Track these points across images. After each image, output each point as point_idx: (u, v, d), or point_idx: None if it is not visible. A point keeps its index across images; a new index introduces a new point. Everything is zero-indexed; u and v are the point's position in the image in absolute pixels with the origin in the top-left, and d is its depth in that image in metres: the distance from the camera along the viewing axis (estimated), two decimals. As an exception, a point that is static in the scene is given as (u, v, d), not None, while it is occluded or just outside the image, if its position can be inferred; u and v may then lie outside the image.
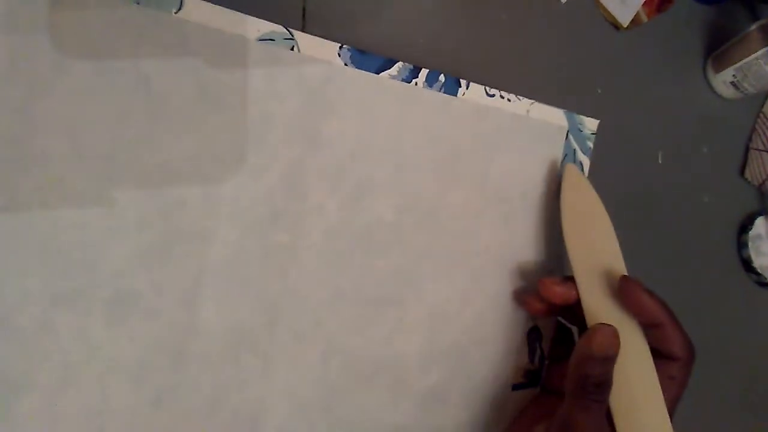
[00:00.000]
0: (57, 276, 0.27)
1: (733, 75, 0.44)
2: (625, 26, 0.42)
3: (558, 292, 0.31)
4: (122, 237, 0.28)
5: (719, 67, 0.45)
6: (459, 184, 0.34)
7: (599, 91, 0.42)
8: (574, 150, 0.37)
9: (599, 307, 0.30)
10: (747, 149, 0.47)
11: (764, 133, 0.47)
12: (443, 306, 0.34)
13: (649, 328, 0.30)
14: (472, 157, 0.34)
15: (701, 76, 0.46)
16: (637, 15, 0.41)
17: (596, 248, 0.32)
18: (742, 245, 0.46)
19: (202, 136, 0.29)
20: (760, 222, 0.46)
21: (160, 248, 0.28)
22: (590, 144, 0.37)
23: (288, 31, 0.30)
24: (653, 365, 0.29)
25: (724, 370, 0.46)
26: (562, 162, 0.36)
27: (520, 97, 0.35)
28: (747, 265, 0.46)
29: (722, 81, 0.45)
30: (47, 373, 0.27)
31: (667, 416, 0.28)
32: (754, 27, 0.43)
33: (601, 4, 0.42)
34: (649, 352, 0.29)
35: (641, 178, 0.44)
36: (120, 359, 0.28)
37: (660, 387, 0.28)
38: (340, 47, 0.31)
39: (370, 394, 0.33)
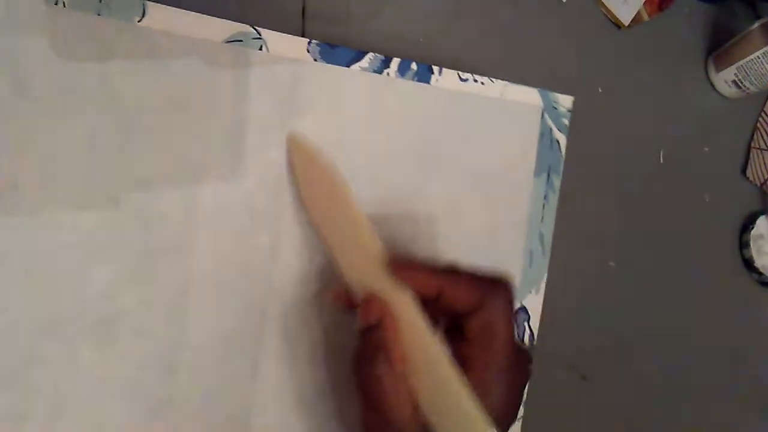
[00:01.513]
0: (42, 305, 0.26)
1: (735, 74, 0.44)
2: (627, 25, 0.42)
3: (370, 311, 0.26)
4: (105, 258, 0.27)
5: (721, 66, 0.45)
6: (438, 173, 0.34)
7: (600, 89, 0.42)
8: (550, 128, 0.36)
9: (363, 279, 0.27)
10: (749, 148, 0.47)
11: (766, 132, 0.47)
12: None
13: (434, 299, 0.26)
14: (449, 144, 0.34)
15: (703, 74, 0.46)
16: (638, 13, 0.41)
17: (346, 220, 0.28)
18: (743, 245, 0.46)
19: (176, 146, 0.28)
20: (761, 221, 0.46)
21: (144, 265, 0.28)
22: (566, 121, 0.36)
23: (255, 30, 0.29)
24: (433, 338, 0.25)
25: (726, 369, 0.46)
26: (539, 142, 0.36)
27: (494, 80, 0.34)
28: (749, 264, 0.46)
29: (724, 80, 0.45)
30: (42, 403, 0.27)
31: (466, 398, 0.23)
32: (755, 25, 0.42)
33: (603, 3, 0.42)
34: (423, 325, 0.25)
35: (642, 177, 0.43)
36: (112, 379, 0.28)
37: (447, 360, 0.24)
38: (309, 43, 0.30)
39: None
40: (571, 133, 0.36)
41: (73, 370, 0.27)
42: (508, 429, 0.25)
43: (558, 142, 0.37)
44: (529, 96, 0.35)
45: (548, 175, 0.36)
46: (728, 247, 0.46)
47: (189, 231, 0.29)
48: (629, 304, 0.43)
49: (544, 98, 0.36)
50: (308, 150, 0.30)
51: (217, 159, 0.29)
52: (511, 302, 0.26)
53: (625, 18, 0.42)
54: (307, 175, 0.30)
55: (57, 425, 0.27)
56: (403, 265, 0.26)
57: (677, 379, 0.44)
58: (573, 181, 0.37)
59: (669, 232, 0.44)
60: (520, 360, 0.26)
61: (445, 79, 0.33)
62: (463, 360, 0.24)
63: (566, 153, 0.36)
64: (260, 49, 0.30)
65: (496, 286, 0.26)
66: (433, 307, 0.25)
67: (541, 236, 0.36)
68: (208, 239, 0.29)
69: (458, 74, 0.34)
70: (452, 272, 0.26)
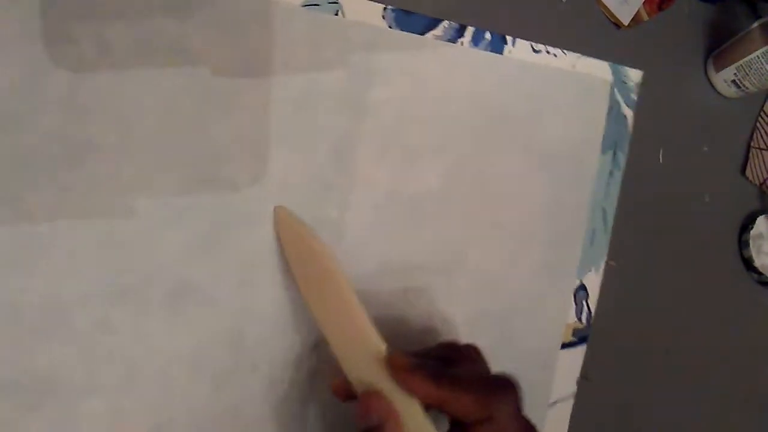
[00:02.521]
0: (114, 273, 0.26)
1: (734, 73, 0.44)
2: (626, 24, 0.42)
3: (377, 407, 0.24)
4: (176, 227, 0.27)
5: (720, 66, 0.45)
6: (507, 147, 0.33)
7: (600, 89, 0.42)
8: (619, 103, 0.36)
9: (362, 376, 0.25)
10: (748, 148, 0.47)
11: (765, 132, 0.47)
12: (489, 272, 0.34)
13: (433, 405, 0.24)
14: (520, 119, 0.33)
15: (702, 74, 0.46)
16: (637, 13, 0.41)
17: (341, 311, 0.26)
18: (743, 244, 0.46)
19: (248, 114, 0.28)
20: (761, 221, 0.46)
21: (215, 236, 0.28)
22: (634, 96, 0.36)
23: None
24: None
25: (725, 369, 0.46)
26: (607, 117, 0.35)
27: (566, 52, 0.34)
28: (748, 264, 0.46)
29: (723, 79, 0.45)
30: (109, 374, 0.27)
31: None
32: (755, 25, 0.42)
33: (602, 3, 0.42)
34: (427, 422, 0.24)
35: (642, 177, 0.43)
36: (179, 350, 0.28)
37: None
38: (384, 9, 0.30)
39: None
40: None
41: (142, 341, 0.27)
42: None
43: (625, 116, 0.36)
44: (600, 69, 0.35)
45: (614, 152, 0.36)
46: (728, 246, 0.46)
47: (258, 202, 0.29)
48: (629, 304, 0.43)
49: (615, 72, 0.36)
50: (297, 228, 0.28)
51: (289, 128, 0.29)
52: (519, 407, 0.24)
53: (625, 18, 0.42)
54: (297, 255, 0.28)
55: (125, 396, 0.27)
56: (405, 368, 0.24)
57: (677, 379, 0.44)
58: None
59: (669, 232, 0.44)
60: None
61: (518, 49, 0.33)
62: None
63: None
64: (336, 14, 0.30)
65: (503, 392, 0.24)
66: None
67: (605, 213, 0.36)
68: (272, 208, 0.29)
69: (531, 45, 0.33)
70: (455, 383, 0.24)
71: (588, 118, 0.35)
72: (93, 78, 0.26)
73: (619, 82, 0.36)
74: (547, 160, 0.34)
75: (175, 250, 0.27)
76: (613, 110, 0.36)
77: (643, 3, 0.41)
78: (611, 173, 0.36)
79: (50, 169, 0.25)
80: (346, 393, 0.26)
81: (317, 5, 0.29)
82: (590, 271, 0.36)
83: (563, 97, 0.34)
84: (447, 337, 0.33)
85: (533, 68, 0.34)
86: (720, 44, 0.45)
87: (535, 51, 0.33)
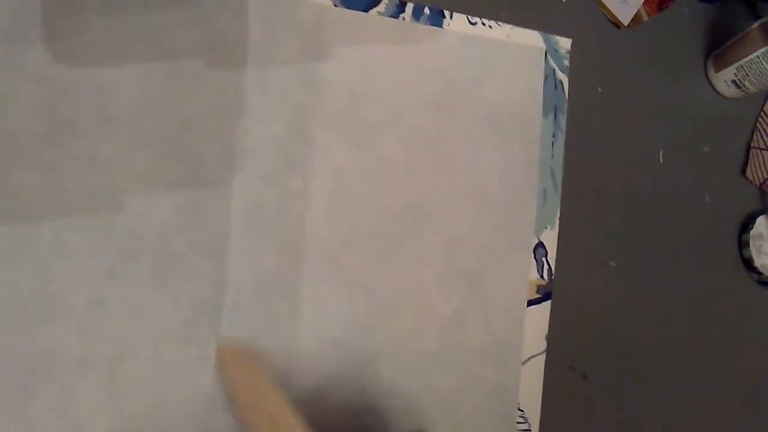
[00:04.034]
0: (101, 251, 0.27)
1: (734, 73, 0.44)
2: (626, 24, 0.42)
3: None
4: (157, 200, 0.29)
5: (720, 66, 0.45)
6: (456, 113, 0.35)
7: (600, 89, 0.42)
8: (553, 70, 0.38)
9: None
10: (748, 148, 0.47)
11: (765, 132, 0.47)
12: (455, 233, 0.35)
13: None
14: (464, 85, 0.36)
15: (702, 74, 0.46)
16: (637, 13, 0.41)
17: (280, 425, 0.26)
18: (743, 244, 0.46)
19: (212, 89, 0.30)
20: (761, 221, 0.46)
21: (191, 207, 0.29)
22: (566, 62, 0.39)
23: None
24: None
25: (725, 368, 0.46)
26: (545, 83, 0.38)
27: (500, 23, 0.36)
28: (748, 264, 0.46)
29: (723, 80, 0.45)
30: (103, 350, 0.27)
31: None
32: (755, 25, 0.42)
33: (602, 3, 0.42)
34: None
35: (642, 177, 0.43)
36: (168, 322, 0.29)
37: None
38: None
39: (396, 326, 0.34)
40: (571, 130, 0.37)
41: (134, 314, 0.28)
42: None
43: (561, 82, 0.39)
44: (532, 38, 0.37)
45: (555, 115, 0.38)
46: (728, 246, 0.46)
47: (226, 174, 0.30)
48: (629, 304, 0.43)
49: (546, 41, 0.38)
50: (235, 350, 0.29)
51: (249, 101, 0.30)
52: None
53: (625, 18, 0.42)
54: (235, 376, 0.29)
55: (119, 372, 0.28)
56: None
57: (677, 379, 0.44)
58: (574, 182, 0.37)
59: (669, 232, 0.44)
60: None
61: (456, 22, 0.35)
62: None
63: (564, 149, 0.37)
64: None
65: None
66: None
67: (552, 173, 0.38)
68: (243, 181, 0.30)
69: (467, 18, 0.35)
70: None
71: (527, 83, 0.37)
72: (73, 61, 0.27)
73: (552, 50, 0.38)
74: (495, 124, 0.37)
75: (157, 224, 0.29)
76: (549, 78, 0.38)
77: (643, 3, 0.41)
78: (555, 135, 0.38)
79: (33, 149, 0.26)
80: None
81: None
82: (546, 228, 0.38)
83: (502, 65, 0.37)
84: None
85: (472, 39, 0.36)
86: (720, 44, 0.45)
87: (471, 23, 0.36)
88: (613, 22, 0.42)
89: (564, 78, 0.38)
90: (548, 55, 0.38)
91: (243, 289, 0.30)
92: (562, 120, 0.38)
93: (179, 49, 0.29)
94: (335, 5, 0.32)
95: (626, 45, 0.43)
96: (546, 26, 0.40)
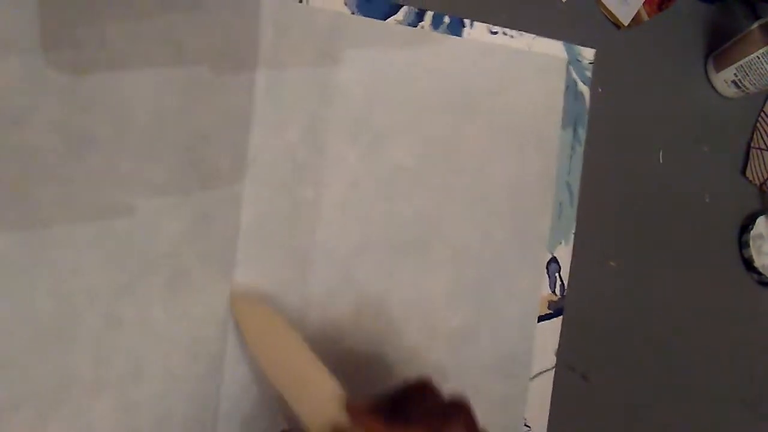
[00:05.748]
0: (116, 267, 0.27)
1: (735, 74, 0.44)
2: (626, 25, 0.42)
3: None
4: (168, 215, 0.28)
5: (720, 66, 0.45)
6: (472, 123, 0.35)
7: (600, 89, 0.42)
8: (575, 81, 0.37)
9: (323, 426, 0.26)
10: (748, 148, 0.47)
11: (765, 132, 0.47)
12: (466, 244, 0.35)
13: None
14: (482, 95, 0.35)
15: (702, 74, 0.46)
16: (637, 13, 0.41)
17: (295, 365, 0.27)
18: (743, 245, 0.46)
19: (226, 98, 0.29)
20: (761, 221, 0.46)
21: (202, 219, 0.29)
22: (588, 74, 0.38)
23: None
24: None
25: (725, 369, 0.46)
26: (565, 94, 0.37)
27: (522, 33, 0.36)
28: (748, 264, 0.46)
29: (723, 80, 0.45)
30: (117, 368, 0.27)
31: None
32: (755, 25, 0.42)
33: (602, 3, 0.42)
34: None
35: (642, 177, 0.43)
36: (178, 339, 0.29)
37: None
38: None
39: (403, 338, 0.33)
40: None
41: (147, 331, 0.28)
42: None
43: (582, 94, 0.38)
44: (555, 49, 0.37)
45: (574, 128, 0.37)
46: (728, 247, 0.46)
47: (237, 184, 0.30)
48: (629, 304, 0.43)
49: (569, 51, 0.37)
50: (249, 300, 0.29)
51: (261, 110, 0.30)
52: (473, 426, 0.25)
53: (625, 18, 0.42)
54: (251, 325, 0.29)
55: (132, 389, 0.28)
56: (363, 411, 0.25)
57: (677, 379, 0.44)
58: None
59: (669, 232, 0.44)
60: None
61: (476, 31, 0.35)
62: None
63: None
64: (300, 1, 0.31)
65: (454, 417, 0.25)
66: None
67: (569, 187, 0.37)
68: (254, 191, 0.30)
69: (488, 27, 0.35)
70: (408, 419, 0.25)
71: (547, 95, 0.37)
72: (91, 72, 0.26)
73: (574, 60, 0.37)
74: (512, 135, 0.36)
75: (170, 238, 0.28)
76: (570, 89, 0.37)
77: (643, 3, 0.41)
78: (573, 148, 0.38)
79: (52, 164, 0.26)
80: None
81: None
82: (560, 243, 0.37)
83: (522, 75, 0.36)
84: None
85: (492, 49, 0.35)
86: (720, 44, 0.45)
87: (492, 33, 0.35)
88: (613, 23, 0.42)
89: (585, 90, 0.37)
90: (570, 66, 0.37)
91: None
92: (582, 133, 0.37)
93: (195, 57, 0.29)
94: (352, 12, 0.31)
95: (626, 45, 0.43)
96: (546, 26, 0.40)
